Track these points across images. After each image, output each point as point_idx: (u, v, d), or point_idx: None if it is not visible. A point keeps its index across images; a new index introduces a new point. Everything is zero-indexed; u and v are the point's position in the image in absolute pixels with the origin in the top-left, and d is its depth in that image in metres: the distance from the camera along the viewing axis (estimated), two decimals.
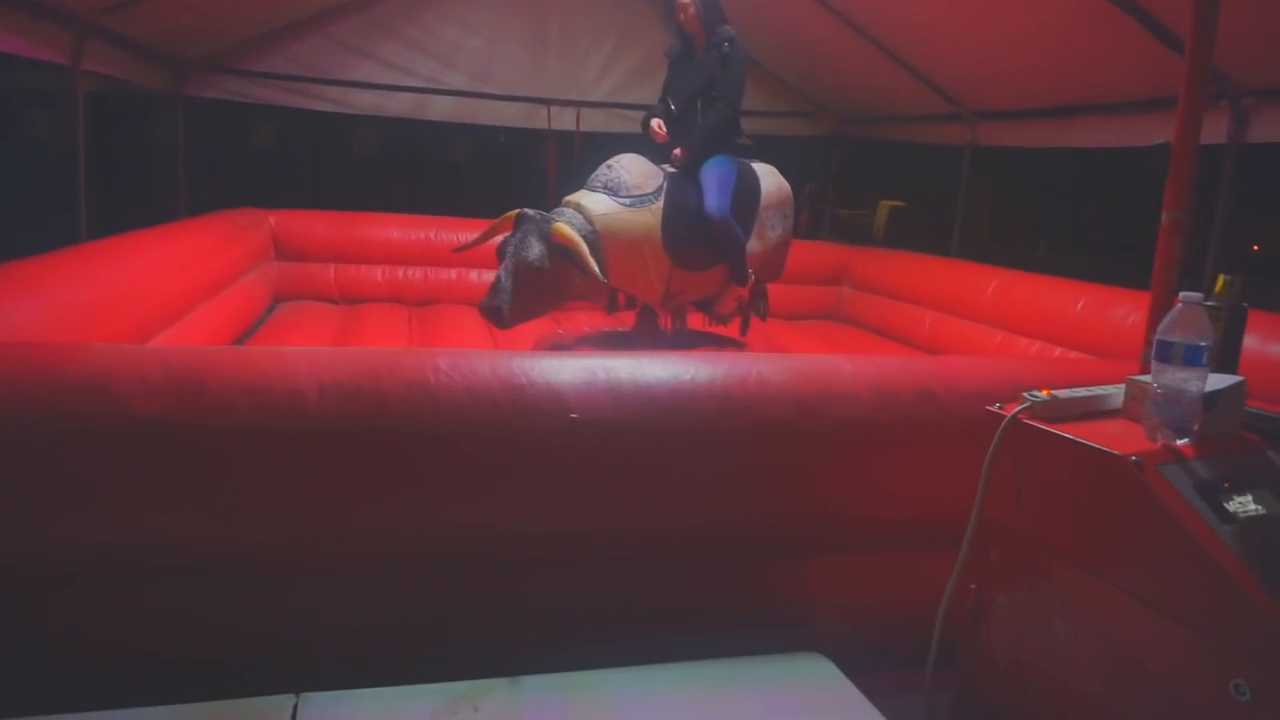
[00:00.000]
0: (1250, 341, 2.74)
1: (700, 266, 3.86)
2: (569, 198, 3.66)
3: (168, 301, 3.21)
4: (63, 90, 4.04)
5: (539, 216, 3.44)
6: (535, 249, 3.37)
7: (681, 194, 3.74)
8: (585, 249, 3.38)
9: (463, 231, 5.26)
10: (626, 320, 4.61)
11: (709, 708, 1.55)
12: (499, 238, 3.59)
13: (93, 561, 1.66)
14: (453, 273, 5.22)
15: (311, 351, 1.81)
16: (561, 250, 3.38)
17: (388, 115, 5.80)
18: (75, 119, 4.00)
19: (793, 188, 4.28)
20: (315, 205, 5.35)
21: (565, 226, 3.39)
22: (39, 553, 1.63)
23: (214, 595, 1.72)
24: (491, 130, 6.27)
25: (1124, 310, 3.59)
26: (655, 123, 3.92)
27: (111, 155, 5.42)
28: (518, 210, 3.50)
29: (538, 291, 3.44)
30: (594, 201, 3.58)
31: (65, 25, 3.70)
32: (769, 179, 4.14)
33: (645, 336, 4.10)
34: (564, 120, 5.80)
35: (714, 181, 3.79)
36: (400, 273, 5.16)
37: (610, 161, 3.75)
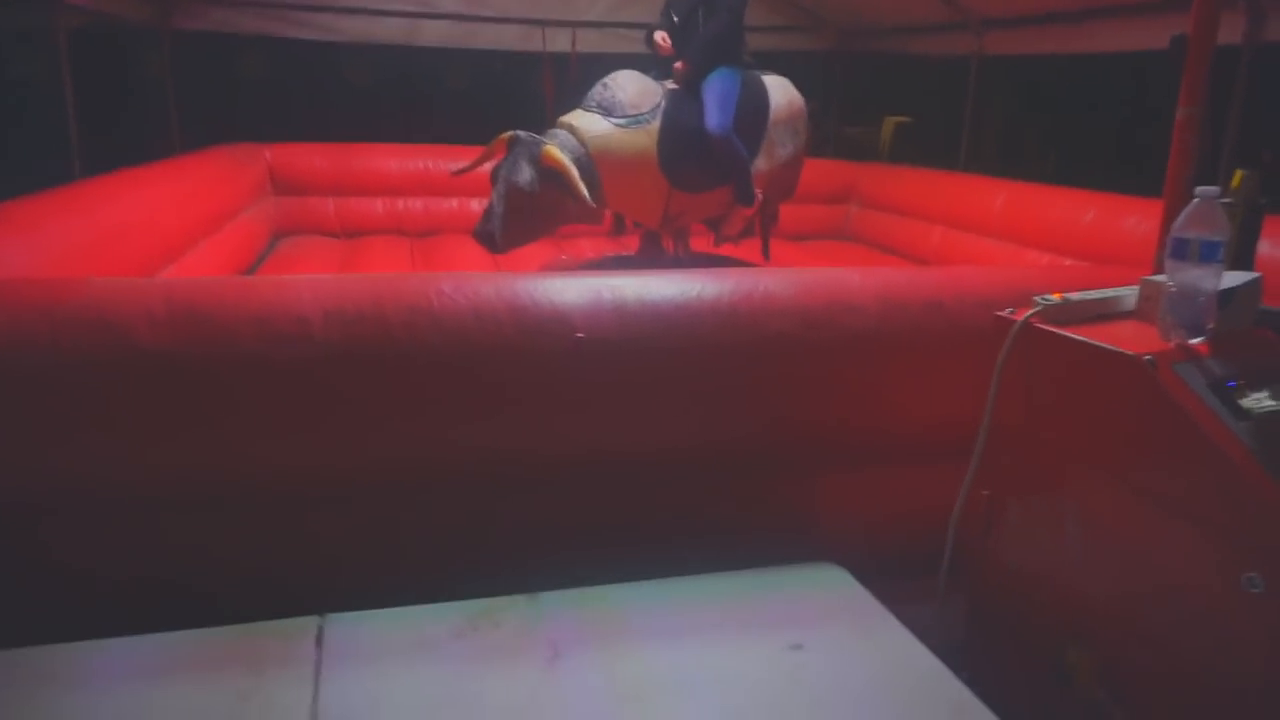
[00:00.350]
0: (1262, 245, 2.73)
1: (701, 187, 3.75)
2: (563, 118, 3.58)
3: (167, 238, 3.17)
4: (45, 28, 3.94)
5: (530, 139, 3.37)
6: (525, 173, 3.31)
7: (680, 111, 3.62)
8: (575, 173, 3.33)
9: (462, 159, 5.18)
10: (631, 244, 4.56)
11: (727, 618, 1.58)
12: (494, 161, 3.51)
13: (106, 494, 1.68)
14: (454, 202, 5.16)
15: (315, 279, 1.79)
16: (551, 174, 3.32)
17: (379, 42, 5.65)
18: (59, 58, 3.91)
19: None
20: (311, 139, 5.26)
21: (555, 149, 3.34)
22: (51, 488, 1.65)
23: (232, 524, 1.74)
24: (487, 55, 6.12)
25: (1134, 219, 3.53)
26: (659, 35, 3.77)
27: (100, 94, 5.31)
28: (510, 133, 3.42)
29: (530, 216, 3.39)
30: (587, 122, 3.50)
31: None
32: (779, 92, 3.92)
33: (649, 260, 4.06)
34: (560, 42, 5.65)
35: (715, 97, 3.64)
36: (400, 203, 5.11)
37: (606, 79, 3.64)
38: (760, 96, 3.84)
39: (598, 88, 3.62)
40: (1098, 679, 1.51)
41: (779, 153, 3.92)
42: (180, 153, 4.70)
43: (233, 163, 4.41)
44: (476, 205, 5.15)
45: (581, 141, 3.44)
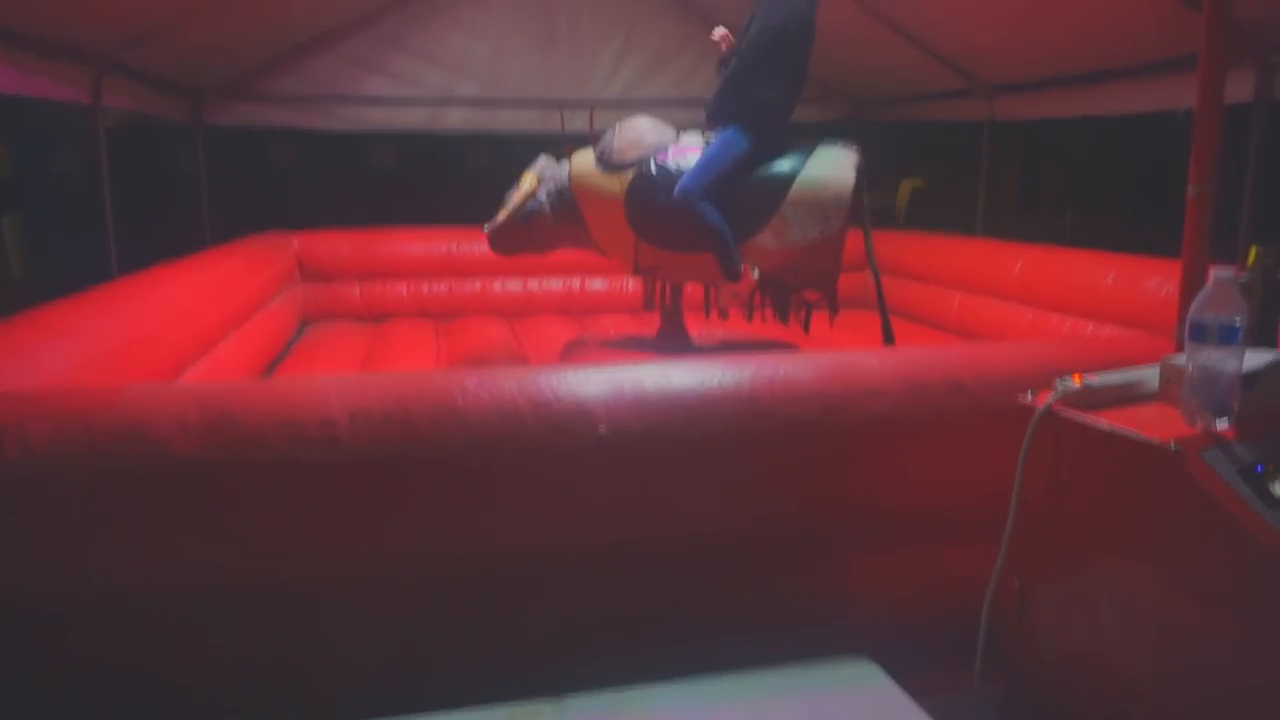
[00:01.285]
0: None
1: (669, 245, 3.63)
2: (578, 152, 3.87)
3: (199, 333, 3.25)
4: (84, 127, 4.12)
5: (544, 161, 3.84)
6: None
7: (661, 166, 3.59)
8: (517, 198, 3.76)
9: (483, 242, 5.29)
10: (651, 319, 4.60)
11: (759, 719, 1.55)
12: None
13: (140, 598, 1.70)
14: (477, 283, 5.26)
15: (340, 380, 1.83)
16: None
17: (402, 130, 5.84)
18: (99, 155, 4.08)
19: None
20: (337, 223, 5.41)
21: (529, 173, 3.80)
22: (89, 593, 1.67)
23: (262, 626, 1.74)
24: (506, 139, 6.30)
25: (1156, 281, 3.52)
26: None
27: (136, 187, 5.52)
28: (534, 177, 3.83)
29: (522, 226, 3.81)
30: (581, 159, 3.78)
31: (84, 63, 3.77)
32: (819, 169, 3.51)
33: (670, 339, 4.08)
34: (578, 122, 5.79)
35: (703, 158, 3.49)
36: (425, 286, 5.21)
37: (617, 123, 3.83)
38: (785, 169, 3.51)
39: (608, 130, 3.82)
40: None
41: (794, 235, 3.51)
42: (212, 242, 4.85)
43: (262, 253, 4.53)
44: (499, 286, 5.26)
45: (569, 175, 3.76)
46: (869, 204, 3.95)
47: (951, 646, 1.78)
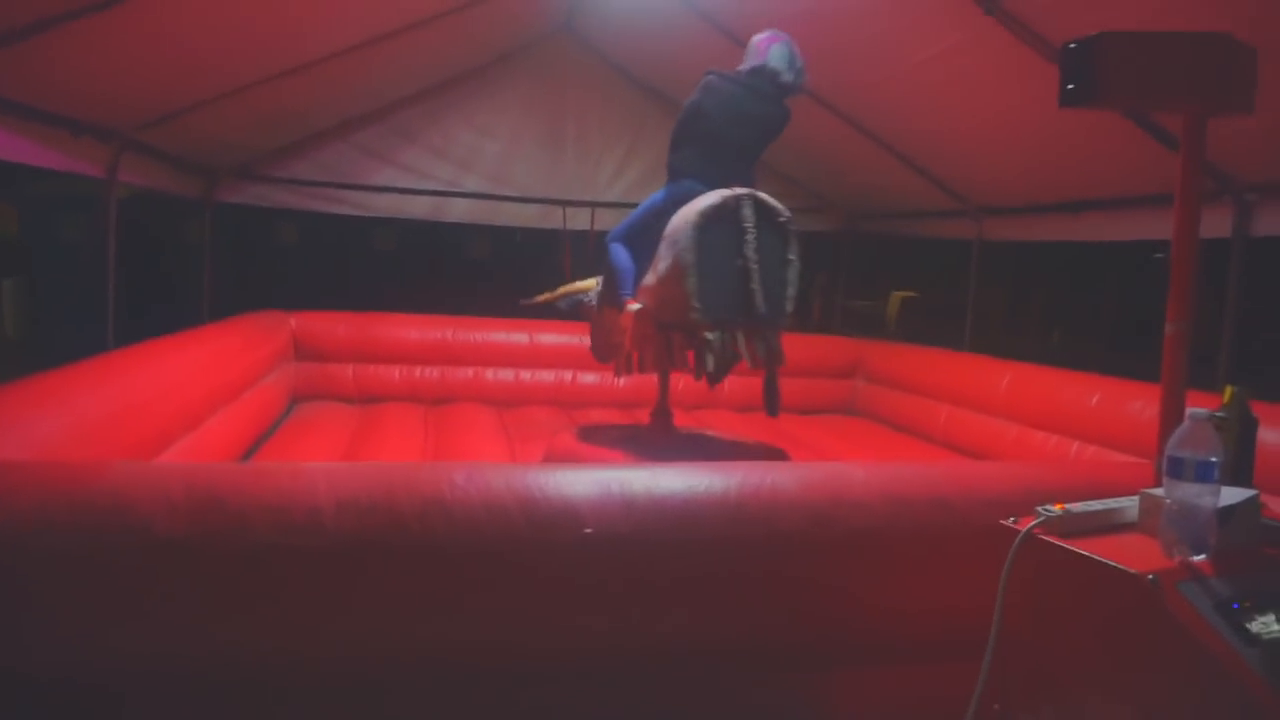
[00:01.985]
0: (1271, 435, 2.76)
1: (613, 305, 3.82)
2: None
3: (188, 408, 3.26)
4: (96, 198, 4.21)
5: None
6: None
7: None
8: (571, 288, 4.08)
9: (479, 331, 5.36)
10: (641, 417, 4.62)
11: None
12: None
13: (117, 676, 1.66)
14: (469, 371, 5.29)
15: (329, 468, 1.84)
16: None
17: (407, 217, 5.98)
18: (107, 227, 4.16)
19: (804, 280, 3.88)
20: (337, 303, 5.47)
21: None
22: (65, 666, 1.63)
23: (233, 711, 1.71)
24: (508, 230, 6.44)
25: (1139, 404, 3.57)
26: None
27: (141, 257, 5.59)
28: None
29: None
30: None
31: (104, 141, 3.88)
32: (693, 203, 3.35)
33: (658, 435, 4.08)
34: (579, 220, 5.95)
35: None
36: (417, 372, 5.24)
37: None
38: (676, 209, 3.43)
39: None
40: None
41: (659, 267, 3.40)
42: (211, 316, 4.89)
43: (258, 330, 4.57)
44: (490, 375, 5.30)
45: None
46: (863, 311, 4.02)
47: None
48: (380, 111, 5.60)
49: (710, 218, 3.28)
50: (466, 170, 5.82)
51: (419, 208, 5.85)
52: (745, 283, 3.27)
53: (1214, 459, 1.41)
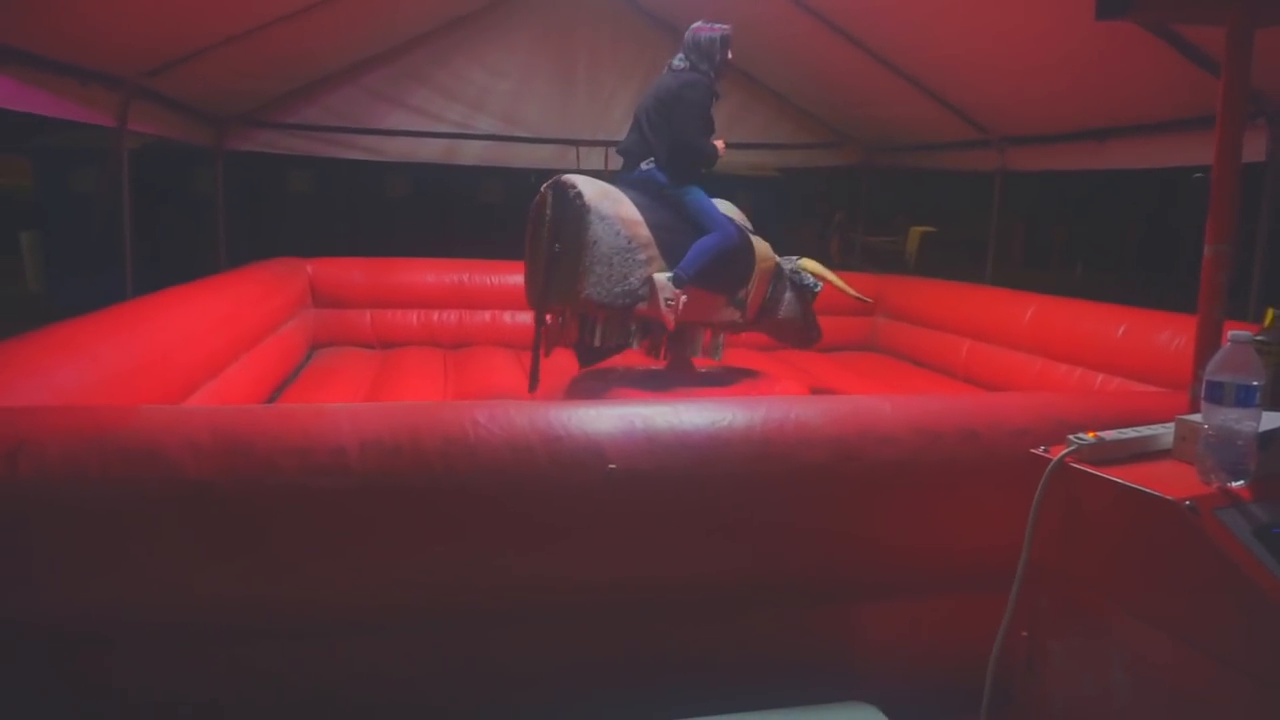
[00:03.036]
0: None
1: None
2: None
3: (210, 355, 3.27)
4: (107, 149, 4.19)
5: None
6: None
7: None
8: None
9: (494, 274, 5.33)
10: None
11: None
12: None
13: (146, 621, 1.69)
14: (486, 314, 5.28)
15: (353, 408, 1.83)
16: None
17: (420, 161, 5.91)
18: (120, 177, 4.13)
19: (823, 216, 4.29)
20: (351, 250, 5.45)
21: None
22: (95, 614, 1.66)
23: (263, 652, 1.74)
24: (522, 172, 6.36)
25: (1168, 334, 3.52)
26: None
27: (154, 208, 5.57)
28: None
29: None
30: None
31: (112, 89, 3.83)
32: None
33: (679, 374, 4.08)
34: (593, 160, 5.86)
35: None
36: (435, 316, 5.23)
37: (736, 209, 3.95)
38: None
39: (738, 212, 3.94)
40: None
41: None
42: (228, 265, 4.89)
43: (275, 277, 4.56)
44: (509, 318, 5.27)
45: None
46: (883, 247, 4.21)
47: (958, 698, 1.76)
48: (389, 54, 5.50)
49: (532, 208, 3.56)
50: (478, 111, 5.73)
51: (431, 151, 5.78)
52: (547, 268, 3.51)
53: (1255, 383, 1.37)
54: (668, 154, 3.64)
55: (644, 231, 3.51)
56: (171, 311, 3.19)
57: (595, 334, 3.59)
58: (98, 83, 3.65)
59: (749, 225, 3.94)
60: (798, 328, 4.10)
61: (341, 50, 5.23)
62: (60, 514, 1.59)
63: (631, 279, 3.47)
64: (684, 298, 3.52)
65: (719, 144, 3.74)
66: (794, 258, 4.04)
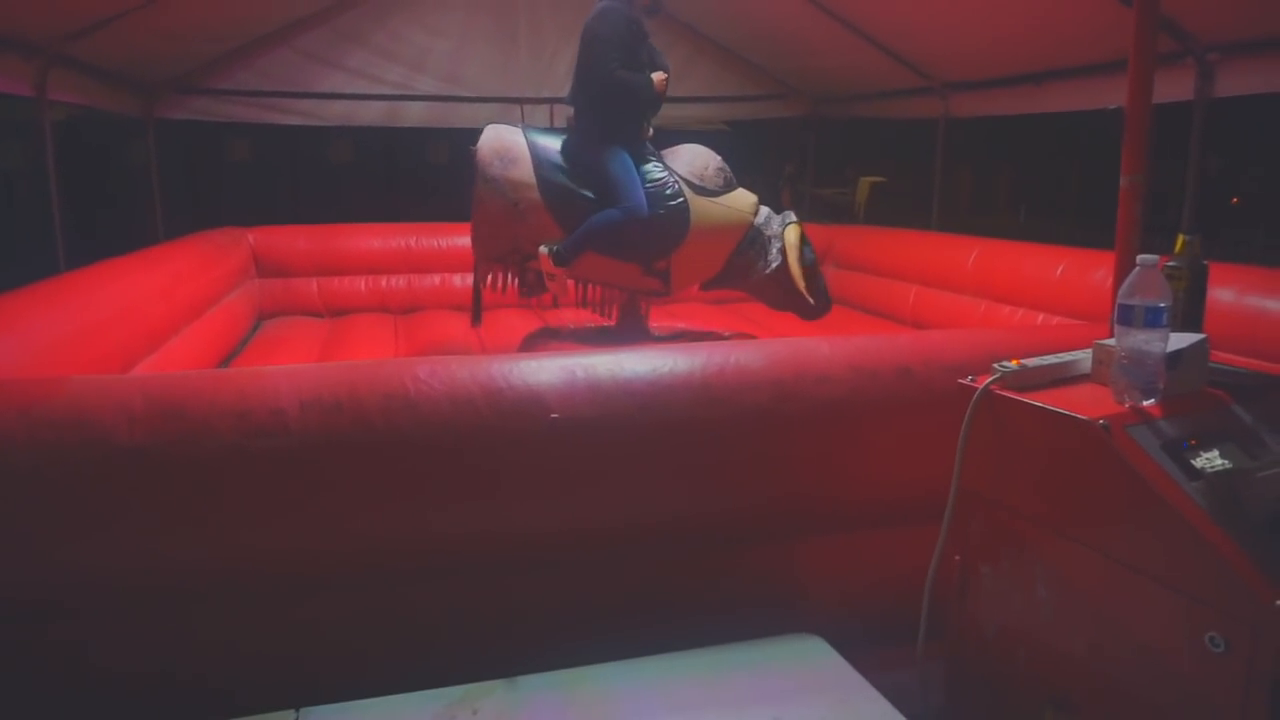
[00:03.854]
0: (1226, 294, 2.80)
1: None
2: (753, 200, 3.78)
3: (149, 328, 3.21)
4: (29, 121, 4.04)
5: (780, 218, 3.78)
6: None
7: None
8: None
9: (442, 237, 5.28)
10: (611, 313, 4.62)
11: (707, 694, 1.58)
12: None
13: (87, 590, 1.68)
14: (436, 278, 5.24)
15: (290, 369, 1.82)
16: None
17: (361, 125, 5.80)
18: (44, 149, 4.00)
19: (771, 169, 4.19)
20: (295, 219, 5.36)
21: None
22: (32, 585, 1.65)
23: (208, 616, 1.74)
24: (467, 132, 6.27)
25: (1103, 273, 3.61)
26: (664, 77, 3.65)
27: (85, 182, 5.40)
28: (799, 225, 3.76)
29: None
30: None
31: (28, 57, 3.69)
32: None
33: (630, 331, 4.11)
34: (538, 118, 5.79)
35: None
36: (383, 281, 5.18)
37: (711, 159, 3.79)
38: None
39: (723, 164, 3.78)
40: None
41: None
42: (164, 238, 4.78)
43: (216, 248, 4.47)
44: (458, 281, 5.23)
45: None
46: (832, 199, 4.19)
47: (898, 626, 1.83)
48: (324, 13, 5.35)
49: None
50: (418, 72, 5.62)
51: (372, 114, 5.67)
52: None
53: (1163, 304, 1.43)
54: (599, 98, 3.54)
55: (533, 195, 3.50)
56: (106, 284, 3.13)
57: (502, 284, 3.76)
58: (12, 50, 3.52)
59: (718, 177, 3.73)
60: (781, 296, 3.81)
61: (272, 11, 5.08)
62: None
63: (521, 240, 3.54)
64: (567, 274, 3.55)
65: (657, 77, 3.57)
66: (789, 217, 3.80)
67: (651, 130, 3.79)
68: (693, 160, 3.77)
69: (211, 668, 1.74)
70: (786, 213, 3.85)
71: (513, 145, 3.57)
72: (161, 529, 1.64)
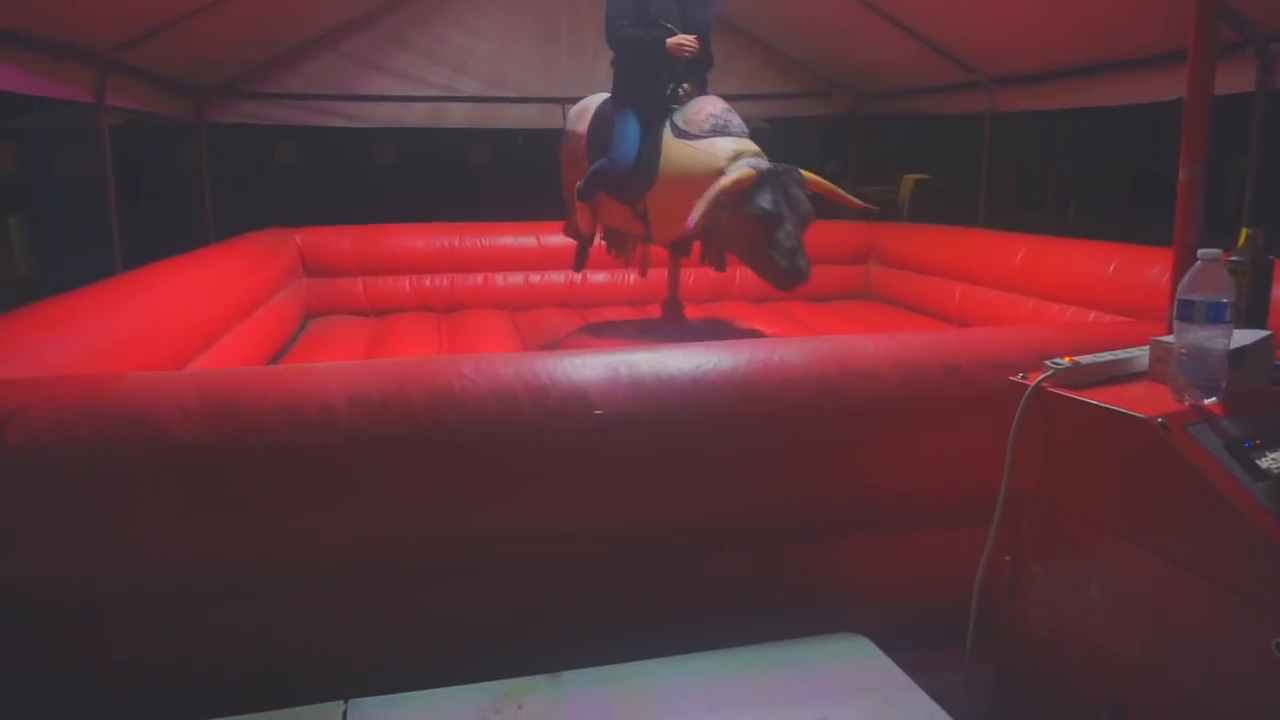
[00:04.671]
0: None
1: None
2: (735, 148, 3.46)
3: (201, 327, 3.28)
4: (88, 127, 4.15)
5: (783, 170, 3.41)
6: (806, 201, 3.44)
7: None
8: (839, 190, 3.62)
9: (485, 236, 5.33)
10: (652, 312, 4.63)
11: (752, 692, 1.57)
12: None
13: (141, 583, 1.72)
14: (479, 277, 5.28)
15: (339, 366, 1.85)
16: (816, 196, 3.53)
17: (405, 126, 5.87)
18: (103, 154, 4.11)
19: (814, 167, 3.94)
20: (339, 220, 5.44)
21: (808, 173, 3.49)
22: (89, 579, 1.69)
23: (258, 609, 1.77)
24: (508, 133, 6.32)
25: (1158, 269, 3.52)
26: (690, 39, 3.59)
27: (140, 186, 5.55)
28: (750, 170, 3.34)
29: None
30: (748, 144, 3.54)
31: (87, 64, 3.79)
32: None
33: (671, 327, 4.12)
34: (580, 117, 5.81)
35: None
36: (427, 281, 5.23)
37: (711, 106, 3.64)
38: None
39: (718, 111, 3.61)
40: None
41: None
42: (216, 238, 4.88)
43: (264, 248, 4.56)
44: (500, 280, 5.27)
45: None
46: (875, 196, 4.16)
47: (945, 627, 1.80)
48: (367, 18, 5.42)
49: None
50: (461, 73, 5.67)
51: (416, 115, 5.73)
52: None
53: (1225, 300, 1.39)
54: (615, 60, 3.81)
55: (582, 145, 4.04)
56: (160, 284, 3.20)
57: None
58: (71, 58, 3.61)
59: (705, 123, 3.57)
60: (747, 252, 3.50)
61: (318, 15, 5.16)
62: (52, 482, 1.61)
63: (578, 183, 3.99)
64: (585, 208, 4.05)
65: (674, 39, 3.55)
66: (754, 163, 3.41)
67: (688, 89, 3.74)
68: (692, 105, 3.70)
69: (263, 660, 1.77)
70: (757, 159, 3.48)
71: (588, 105, 4.16)
72: (214, 523, 1.67)
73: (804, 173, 3.48)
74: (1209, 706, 1.36)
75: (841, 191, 3.62)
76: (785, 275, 3.41)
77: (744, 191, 3.32)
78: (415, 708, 1.51)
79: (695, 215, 3.28)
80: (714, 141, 3.52)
